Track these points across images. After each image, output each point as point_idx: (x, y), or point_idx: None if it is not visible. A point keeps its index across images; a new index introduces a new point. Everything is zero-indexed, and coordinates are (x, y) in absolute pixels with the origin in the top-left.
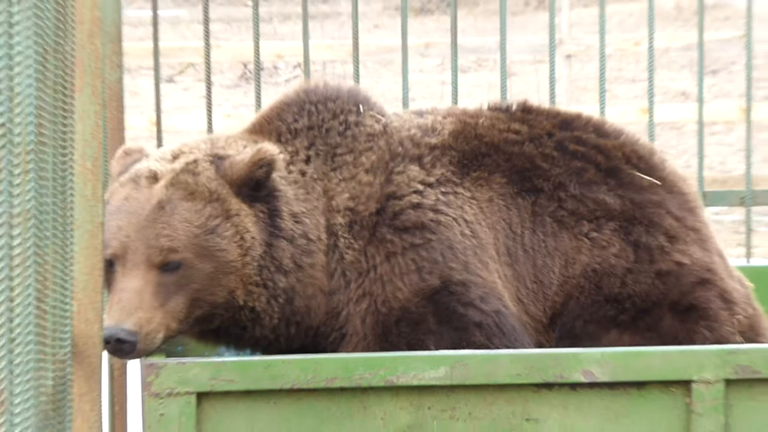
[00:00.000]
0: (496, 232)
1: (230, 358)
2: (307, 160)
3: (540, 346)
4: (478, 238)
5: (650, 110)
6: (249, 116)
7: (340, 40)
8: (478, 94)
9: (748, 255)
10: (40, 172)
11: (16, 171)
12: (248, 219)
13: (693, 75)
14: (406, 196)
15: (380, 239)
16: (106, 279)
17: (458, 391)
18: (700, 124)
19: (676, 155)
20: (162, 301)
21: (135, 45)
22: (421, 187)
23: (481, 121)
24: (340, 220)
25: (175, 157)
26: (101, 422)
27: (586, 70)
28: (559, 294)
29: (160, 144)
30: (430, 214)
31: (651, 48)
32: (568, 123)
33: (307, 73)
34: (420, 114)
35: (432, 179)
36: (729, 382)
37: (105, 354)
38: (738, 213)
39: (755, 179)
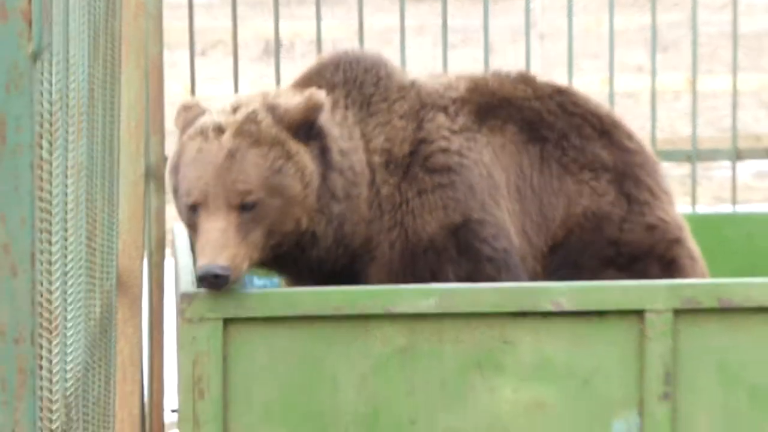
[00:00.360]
0: (508, 173)
1: (253, 290)
2: (346, 108)
3: (536, 271)
4: (492, 179)
5: (611, 81)
6: (270, 85)
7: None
8: (465, 68)
9: (693, 204)
10: (92, 131)
11: (71, 130)
12: (306, 156)
13: (647, 51)
14: (435, 142)
15: (413, 177)
16: (190, 223)
17: (446, 319)
18: (653, 93)
19: (633, 119)
20: (244, 236)
21: (174, 23)
22: (447, 134)
23: (490, 81)
24: (377, 159)
25: (234, 110)
26: (141, 343)
27: (557, 47)
28: (562, 228)
29: None
30: (456, 158)
31: (611, 28)
32: (563, 90)
33: (319, 49)
34: (435, 76)
35: (456, 127)
36: (677, 312)
37: (145, 284)
38: (685, 168)
39: (699, 139)
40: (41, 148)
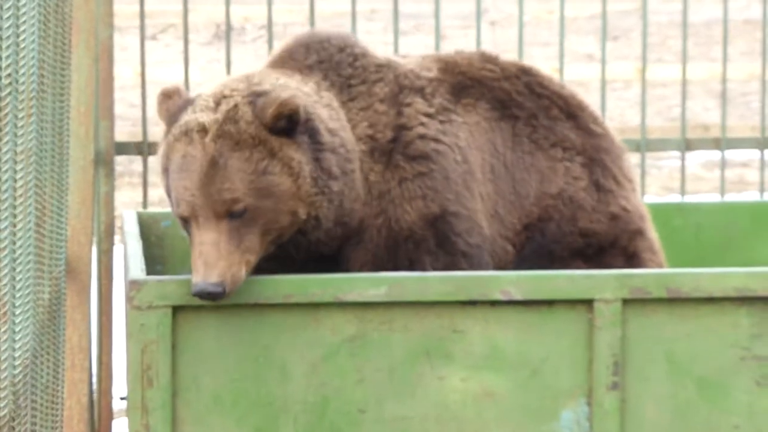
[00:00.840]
0: (483, 152)
1: None
2: (328, 90)
3: (506, 250)
4: (467, 164)
5: (561, 70)
6: (220, 70)
7: (299, 5)
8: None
9: (642, 193)
10: (41, 115)
11: (21, 114)
12: (290, 149)
13: (597, 40)
14: (414, 128)
15: (395, 165)
16: (185, 232)
17: (395, 307)
18: (603, 82)
19: None
20: (237, 243)
21: (124, 7)
22: (425, 120)
23: (458, 60)
24: (362, 146)
25: (217, 104)
26: (90, 330)
27: (507, 34)
28: (537, 207)
29: (144, 92)
30: (432, 144)
31: (562, 16)
32: (527, 70)
33: (270, 33)
34: (404, 57)
35: (432, 110)
36: (625, 302)
37: (94, 271)
38: (634, 158)
39: (649, 129)
40: None
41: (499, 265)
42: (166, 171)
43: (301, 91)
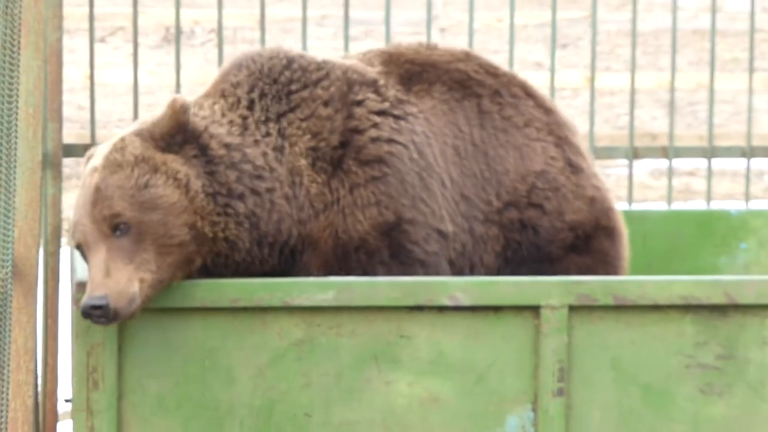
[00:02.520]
0: (444, 136)
1: None
2: (250, 105)
3: (488, 235)
4: (424, 158)
5: None
6: (169, 73)
7: (250, 9)
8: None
9: None
10: None
11: None
12: (175, 163)
13: (546, 48)
14: (366, 131)
15: (345, 171)
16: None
17: (344, 312)
18: (552, 89)
19: None
20: (127, 260)
21: (74, 9)
22: (378, 119)
23: (403, 50)
24: (303, 162)
25: (110, 143)
26: (36, 332)
27: (457, 42)
28: (521, 183)
29: (92, 94)
30: (386, 147)
31: (511, 24)
32: (472, 53)
33: (220, 37)
34: (343, 57)
35: (386, 105)
36: (572, 308)
37: (40, 272)
38: None
39: (597, 137)
40: None
41: (480, 251)
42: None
43: (196, 114)
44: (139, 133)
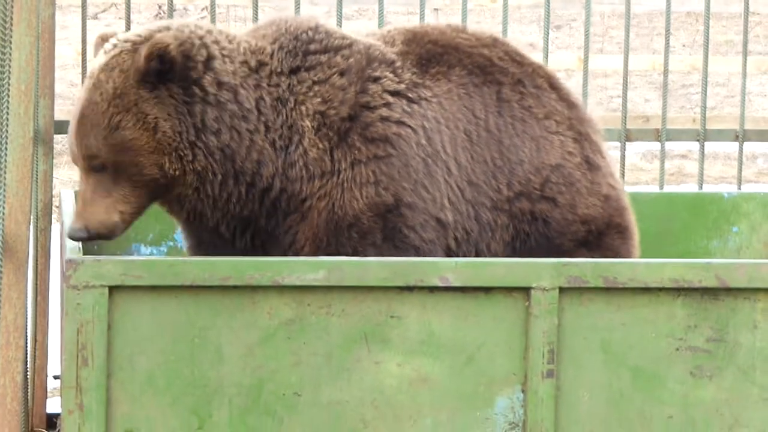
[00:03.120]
0: (457, 120)
1: (139, 257)
2: (271, 55)
3: (496, 224)
4: (432, 144)
5: None
6: None
7: None
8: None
9: None
10: None
11: None
12: (147, 104)
13: (540, 29)
14: (377, 109)
15: (349, 145)
16: None
17: (334, 291)
18: None
19: None
20: (105, 192)
21: None
22: (391, 99)
23: (428, 30)
24: (308, 123)
25: (114, 47)
26: (25, 309)
27: (451, 21)
28: (535, 175)
29: (84, 71)
30: (394, 128)
31: (505, 5)
32: (500, 39)
33: (213, 14)
34: (365, 34)
35: (402, 86)
36: (562, 290)
37: (31, 249)
38: None
39: None
40: None
41: (486, 238)
42: None
43: (203, 37)
44: (136, 50)
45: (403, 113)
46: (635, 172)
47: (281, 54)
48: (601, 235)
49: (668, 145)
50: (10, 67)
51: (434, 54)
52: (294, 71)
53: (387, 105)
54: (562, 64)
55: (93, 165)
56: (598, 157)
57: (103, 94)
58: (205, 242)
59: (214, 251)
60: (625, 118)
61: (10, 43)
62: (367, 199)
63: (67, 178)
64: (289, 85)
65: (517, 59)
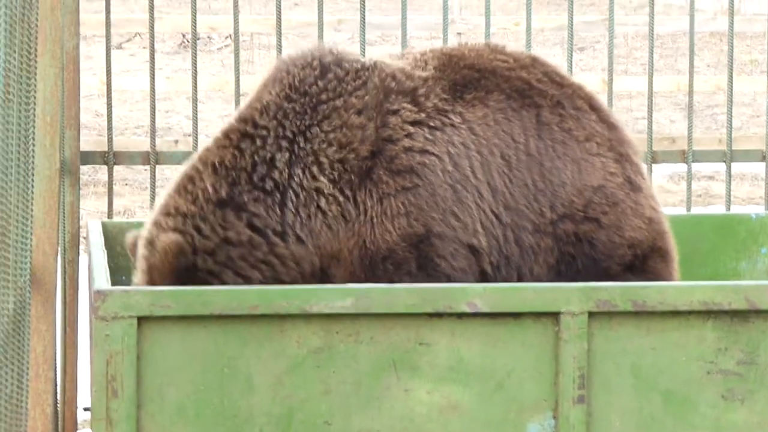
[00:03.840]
0: (492, 146)
1: (167, 287)
2: (278, 136)
3: (539, 247)
4: (459, 170)
5: None
6: (186, 79)
7: (266, 15)
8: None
9: None
10: (6, 125)
11: None
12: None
13: (563, 52)
14: (400, 141)
15: (375, 182)
16: None
17: (362, 319)
18: None
19: None
20: None
21: (90, 16)
22: (412, 129)
23: (465, 52)
24: (323, 180)
25: (149, 243)
26: (54, 340)
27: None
28: (578, 197)
29: (109, 101)
30: (418, 158)
31: (528, 28)
32: (539, 59)
33: (237, 42)
34: (397, 56)
35: (423, 115)
36: (591, 314)
37: (59, 280)
38: None
39: None
40: None
41: (529, 261)
42: None
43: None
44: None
45: (425, 141)
46: (662, 194)
47: (292, 116)
48: (646, 258)
49: (695, 166)
50: (35, 98)
51: (471, 80)
52: (303, 131)
53: (409, 135)
54: (586, 86)
55: None
56: (639, 179)
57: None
58: None
59: None
60: (651, 139)
61: (35, 74)
62: (400, 230)
63: (94, 209)
64: (301, 154)
65: (557, 80)
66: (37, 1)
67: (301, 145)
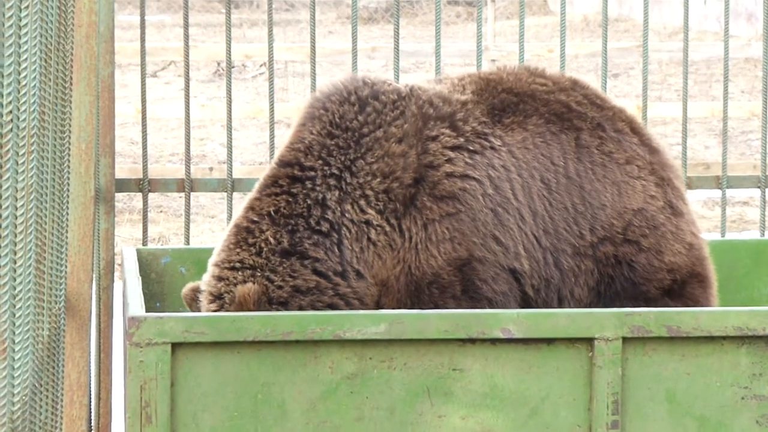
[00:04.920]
0: (532, 169)
1: (201, 314)
2: (327, 183)
3: (579, 269)
4: (500, 193)
5: None
6: (221, 107)
7: (300, 43)
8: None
9: None
10: (42, 152)
11: (21, 152)
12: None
13: (597, 78)
14: (441, 166)
15: (419, 208)
16: None
17: (395, 345)
18: None
19: None
20: None
21: (125, 45)
22: (452, 155)
23: (504, 76)
24: (371, 212)
25: (215, 299)
26: (89, 367)
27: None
28: (618, 219)
29: (144, 129)
30: (459, 183)
31: (562, 54)
32: (580, 81)
33: (271, 70)
34: (434, 80)
35: (462, 139)
36: (625, 340)
37: (93, 307)
38: None
39: None
40: None
41: (569, 284)
42: None
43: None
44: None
45: (466, 166)
46: (697, 220)
47: (336, 153)
48: (684, 284)
49: (729, 192)
50: (70, 126)
51: (509, 104)
52: (347, 166)
53: (449, 161)
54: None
55: None
56: (681, 203)
57: None
58: None
59: None
60: (686, 165)
61: (70, 102)
62: (446, 254)
63: (129, 236)
64: (346, 181)
65: (598, 102)
66: (72, 30)
67: (348, 180)
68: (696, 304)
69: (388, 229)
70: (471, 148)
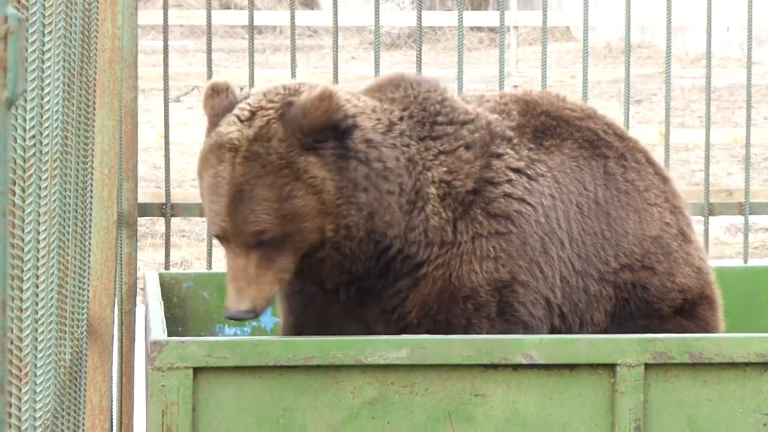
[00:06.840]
0: (570, 193)
1: (223, 338)
2: (401, 119)
3: (601, 295)
4: (549, 222)
5: None
6: None
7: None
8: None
9: None
10: (65, 177)
11: (44, 176)
12: (315, 167)
13: (620, 104)
14: (500, 185)
15: (472, 218)
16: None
17: (417, 370)
18: None
19: None
20: (268, 265)
21: (148, 70)
22: (513, 176)
23: (536, 98)
24: (433, 190)
25: (252, 116)
26: (111, 391)
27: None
28: (638, 247)
29: (167, 154)
30: (516, 205)
31: (585, 80)
32: (599, 114)
33: None
34: (476, 99)
35: (522, 163)
36: (648, 366)
37: (115, 331)
38: None
39: None
40: (14, 194)
41: (592, 309)
42: (199, 176)
43: (348, 101)
44: (283, 115)
45: (524, 191)
46: (719, 246)
47: (410, 122)
48: (695, 305)
49: (752, 218)
50: (93, 150)
51: (548, 126)
52: (423, 139)
53: (509, 181)
54: (643, 138)
55: (262, 239)
56: (690, 231)
57: (267, 166)
58: (306, 294)
59: (311, 304)
60: (708, 191)
61: (93, 127)
62: (487, 273)
63: (151, 260)
64: (418, 149)
65: (618, 133)
66: (95, 55)
67: (421, 148)
68: (706, 324)
69: (444, 216)
70: (529, 173)
